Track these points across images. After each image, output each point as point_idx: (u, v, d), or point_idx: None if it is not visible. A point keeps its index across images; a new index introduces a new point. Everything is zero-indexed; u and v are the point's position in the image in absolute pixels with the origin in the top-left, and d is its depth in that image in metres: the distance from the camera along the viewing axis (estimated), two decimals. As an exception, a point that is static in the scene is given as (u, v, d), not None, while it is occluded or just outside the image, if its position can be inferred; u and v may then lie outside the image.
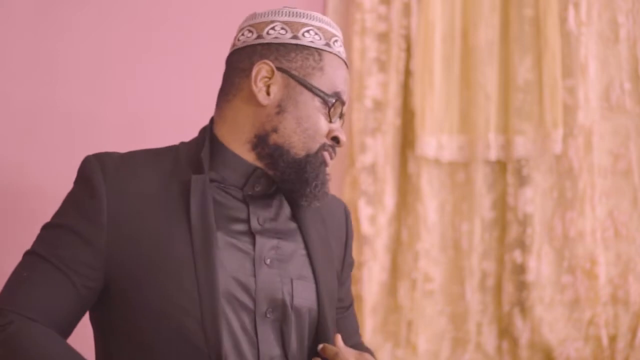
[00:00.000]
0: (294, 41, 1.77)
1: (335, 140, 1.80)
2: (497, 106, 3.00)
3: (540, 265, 2.97)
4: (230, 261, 1.72)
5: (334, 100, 1.77)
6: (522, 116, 2.99)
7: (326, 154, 1.79)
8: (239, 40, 1.82)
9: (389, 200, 3.00)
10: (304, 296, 1.80)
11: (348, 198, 2.99)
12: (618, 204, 3.00)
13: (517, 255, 2.98)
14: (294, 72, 1.76)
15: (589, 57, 2.98)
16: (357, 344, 2.00)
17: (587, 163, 2.96)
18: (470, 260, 2.98)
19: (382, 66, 2.99)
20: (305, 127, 1.76)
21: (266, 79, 1.76)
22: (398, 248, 3.03)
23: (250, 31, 1.80)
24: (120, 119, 2.56)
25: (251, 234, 1.77)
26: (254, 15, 1.82)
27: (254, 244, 1.76)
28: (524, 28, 2.99)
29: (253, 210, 1.78)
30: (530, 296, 2.96)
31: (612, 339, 2.95)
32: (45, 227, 1.73)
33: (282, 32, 1.77)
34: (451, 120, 3.01)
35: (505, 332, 3.00)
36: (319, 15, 1.81)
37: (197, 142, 1.80)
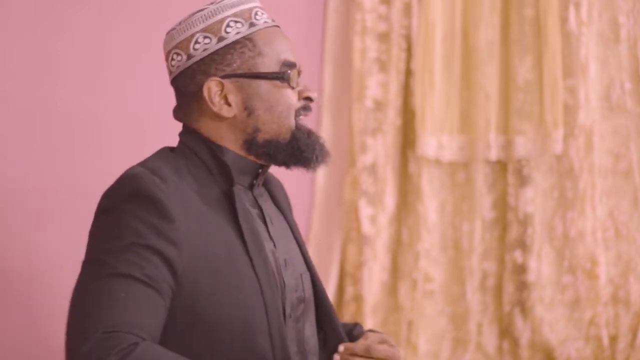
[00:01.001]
0: (222, 44, 1.74)
1: (307, 99, 1.80)
2: (498, 106, 3.00)
3: (541, 265, 2.97)
4: (274, 269, 1.74)
5: (286, 71, 1.76)
6: (522, 116, 2.99)
7: (303, 119, 1.79)
8: (172, 65, 1.79)
9: (390, 200, 3.00)
10: (309, 289, 1.83)
11: (348, 198, 3.00)
12: (618, 204, 3.00)
13: (517, 255, 2.98)
14: (239, 72, 1.75)
15: (590, 57, 2.98)
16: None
17: (588, 163, 2.96)
18: (470, 260, 2.98)
19: (383, 66, 2.99)
20: (280, 111, 1.76)
21: (219, 93, 1.74)
22: (398, 248, 3.03)
23: (177, 54, 1.77)
24: (120, 119, 2.56)
25: (270, 236, 1.78)
26: (171, 36, 1.80)
27: (275, 246, 1.78)
28: (524, 28, 2.99)
29: (265, 212, 1.80)
30: (531, 296, 2.96)
31: (613, 339, 2.95)
32: (120, 249, 1.63)
33: (207, 41, 1.75)
34: (451, 120, 3.01)
35: (505, 332, 3.00)
36: (230, 1, 1.77)
37: (195, 150, 1.78)
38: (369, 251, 2.97)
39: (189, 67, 1.76)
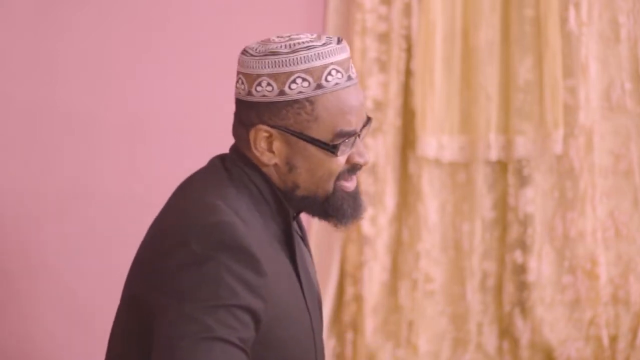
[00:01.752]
0: (281, 98, 1.67)
1: (355, 166, 1.74)
2: (498, 106, 3.00)
3: (541, 266, 2.97)
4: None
5: (337, 143, 1.69)
6: (522, 116, 2.99)
7: (344, 184, 1.74)
8: (236, 87, 1.74)
9: (390, 200, 3.00)
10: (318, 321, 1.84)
11: (349, 198, 2.99)
12: (619, 204, 3.00)
13: (517, 255, 2.98)
14: (290, 129, 1.69)
15: (590, 57, 2.98)
16: None
17: (588, 163, 2.96)
18: (471, 260, 2.98)
19: (383, 66, 2.99)
20: (320, 175, 1.71)
21: (265, 139, 1.69)
22: (399, 248, 3.03)
23: (242, 82, 1.71)
24: (120, 119, 2.56)
25: (299, 278, 1.75)
26: (242, 60, 1.72)
27: (302, 288, 1.75)
28: (524, 28, 2.99)
29: (295, 252, 1.78)
30: (531, 296, 2.96)
31: (613, 339, 2.95)
32: (217, 308, 1.59)
33: (269, 88, 1.68)
34: (452, 121, 3.01)
35: (505, 332, 3.00)
36: (305, 53, 1.68)
37: (254, 181, 1.74)
38: (369, 251, 2.97)
39: (248, 101, 1.70)
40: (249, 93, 1.70)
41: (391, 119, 2.97)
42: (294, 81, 1.67)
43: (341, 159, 1.71)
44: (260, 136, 1.69)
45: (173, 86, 2.64)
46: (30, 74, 2.44)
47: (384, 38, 2.99)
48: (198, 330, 1.57)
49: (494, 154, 2.99)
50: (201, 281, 1.60)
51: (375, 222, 2.99)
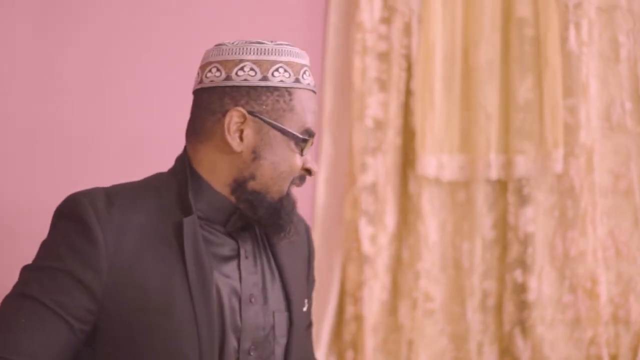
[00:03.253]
0: (263, 83, 1.74)
1: (307, 172, 1.81)
2: (498, 126, 3.00)
3: (541, 285, 2.97)
4: (225, 302, 1.74)
5: (306, 138, 1.77)
6: (522, 135, 2.99)
7: (292, 188, 1.80)
8: (206, 77, 1.78)
9: (390, 219, 3.00)
10: (282, 328, 1.82)
11: (349, 217, 2.99)
12: (619, 224, 3.00)
13: (518, 274, 2.98)
14: (265, 117, 1.75)
15: (590, 76, 2.98)
16: None
17: (588, 182, 2.96)
18: (471, 279, 2.98)
19: (383, 86, 2.99)
20: (282, 170, 1.76)
21: (238, 124, 1.74)
22: (399, 267, 3.03)
23: (218, 69, 1.77)
24: (120, 136, 2.56)
25: (239, 271, 1.77)
26: (220, 50, 1.79)
27: (241, 281, 1.77)
28: (524, 48, 2.99)
29: (241, 245, 1.79)
30: (531, 316, 2.95)
31: (613, 359, 2.95)
32: (37, 269, 1.69)
33: (252, 73, 1.75)
34: (452, 140, 3.01)
35: (506, 351, 2.99)
36: (288, 47, 1.79)
37: (178, 177, 1.79)
38: (369, 270, 2.96)
39: (222, 87, 1.76)
40: (228, 78, 1.76)
41: (391, 138, 2.98)
42: (277, 69, 1.75)
43: (300, 159, 1.78)
44: (234, 120, 1.74)
45: (174, 104, 2.64)
46: (29, 91, 2.45)
47: (384, 57, 2.99)
48: (18, 285, 1.68)
49: (494, 173, 3.00)
50: (42, 245, 1.72)
51: (376, 241, 2.98)
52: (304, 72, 1.79)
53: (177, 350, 1.67)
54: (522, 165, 2.99)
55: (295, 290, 1.87)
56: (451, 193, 3.04)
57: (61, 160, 2.48)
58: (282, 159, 1.76)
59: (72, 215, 1.70)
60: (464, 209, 3.02)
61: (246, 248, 1.80)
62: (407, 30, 3.00)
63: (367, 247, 2.97)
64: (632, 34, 3.00)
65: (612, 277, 2.98)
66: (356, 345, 2.96)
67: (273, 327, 1.79)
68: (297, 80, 1.77)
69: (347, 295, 2.99)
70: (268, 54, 1.76)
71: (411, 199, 3.01)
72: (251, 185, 1.76)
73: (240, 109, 1.74)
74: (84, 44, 2.53)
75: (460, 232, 3.02)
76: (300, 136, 1.76)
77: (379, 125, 2.99)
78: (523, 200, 2.99)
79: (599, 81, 3.01)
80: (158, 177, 1.82)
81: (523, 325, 2.97)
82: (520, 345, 2.96)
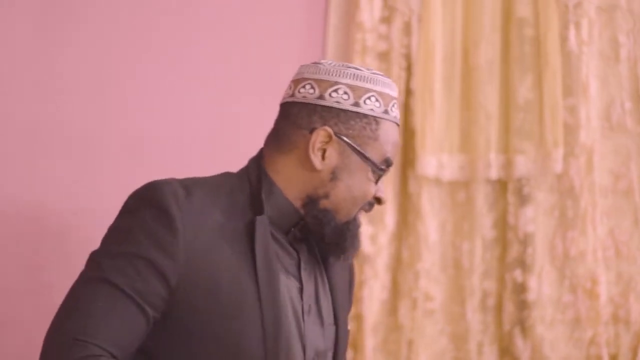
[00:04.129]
0: (354, 108, 1.77)
1: (377, 200, 1.84)
2: (498, 125, 3.00)
3: (541, 285, 2.97)
4: (289, 304, 1.75)
5: (384, 168, 1.80)
6: (522, 135, 2.99)
7: (359, 214, 1.83)
8: (299, 92, 1.81)
9: (390, 219, 2.99)
10: (332, 341, 1.85)
11: (349, 217, 2.99)
12: (619, 224, 3.00)
13: (517, 274, 2.98)
14: (350, 140, 1.77)
15: (590, 76, 2.98)
16: None
17: (588, 182, 2.96)
18: (471, 279, 2.98)
19: (383, 85, 2.99)
20: (355, 195, 1.79)
21: (323, 143, 1.77)
22: (399, 267, 3.03)
23: (312, 87, 1.79)
24: (121, 136, 2.56)
25: (300, 280, 1.80)
26: (317, 68, 1.82)
27: (301, 290, 1.79)
28: (524, 48, 2.99)
29: (302, 255, 1.82)
30: (531, 315, 2.95)
31: (613, 359, 2.95)
32: (115, 254, 1.68)
33: (345, 97, 1.78)
34: (452, 140, 3.01)
35: (506, 351, 2.99)
36: (382, 78, 1.82)
37: (250, 179, 1.81)
38: (369, 270, 2.96)
39: (314, 105, 1.78)
40: (321, 97, 1.78)
41: (391, 137, 2.97)
42: (369, 97, 1.79)
43: (374, 187, 1.81)
44: (320, 139, 1.77)
45: (175, 104, 2.64)
46: (29, 91, 2.44)
47: (384, 57, 2.99)
48: (94, 270, 1.66)
49: (494, 173, 3.00)
50: (115, 230, 1.72)
51: (375, 240, 2.98)
52: (393, 105, 1.82)
53: (242, 348, 1.68)
54: (522, 165, 2.98)
55: (341, 306, 1.90)
56: (451, 193, 3.04)
57: (61, 160, 2.48)
58: (357, 184, 1.79)
59: (153, 201, 1.69)
60: (464, 209, 3.02)
61: (304, 259, 1.82)
62: (407, 30, 3.00)
63: (367, 246, 2.97)
64: (632, 34, 3.00)
65: (612, 277, 2.98)
66: (356, 345, 2.96)
67: (325, 341, 1.83)
68: (386, 112, 1.80)
69: (347, 295, 2.99)
70: (363, 80, 1.79)
71: (411, 198, 3.01)
72: (323, 203, 1.78)
73: (329, 128, 1.77)
74: (84, 44, 2.52)
75: (460, 232, 3.02)
76: (379, 166, 1.79)
77: (379, 124, 2.98)
78: (523, 200, 2.99)
79: (599, 81, 3.01)
80: (228, 176, 1.84)
81: (523, 325, 2.97)
82: (520, 345, 2.96)
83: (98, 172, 2.52)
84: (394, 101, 1.83)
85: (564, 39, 2.99)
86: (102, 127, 2.54)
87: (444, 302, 3.02)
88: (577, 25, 2.98)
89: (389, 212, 2.99)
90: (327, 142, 1.77)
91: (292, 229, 1.80)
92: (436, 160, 2.98)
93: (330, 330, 1.85)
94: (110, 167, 2.54)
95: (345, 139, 1.77)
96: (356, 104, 1.78)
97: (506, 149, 3.00)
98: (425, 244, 2.98)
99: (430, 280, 3.00)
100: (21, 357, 2.33)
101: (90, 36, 2.54)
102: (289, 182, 1.79)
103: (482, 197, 3.00)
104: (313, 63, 1.84)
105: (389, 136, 1.81)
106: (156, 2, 2.65)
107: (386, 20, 3.00)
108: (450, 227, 3.03)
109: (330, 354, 1.85)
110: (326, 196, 1.78)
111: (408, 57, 3.00)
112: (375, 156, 1.79)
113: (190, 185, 1.74)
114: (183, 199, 1.69)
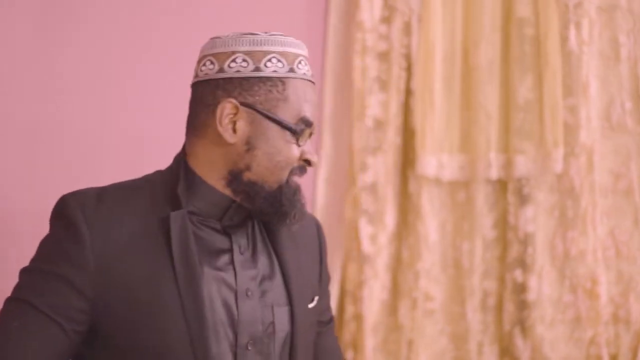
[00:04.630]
0: (256, 74, 1.73)
1: (307, 162, 1.79)
2: (498, 125, 3.00)
3: (541, 285, 2.97)
4: (216, 296, 1.72)
5: (302, 127, 1.75)
6: (523, 135, 2.99)
7: (294, 178, 1.78)
8: (201, 70, 1.79)
9: (390, 219, 3.00)
10: (283, 322, 1.80)
11: (349, 217, 2.99)
12: (619, 224, 3.00)
13: (518, 274, 2.98)
14: (258, 107, 1.73)
15: (590, 76, 2.98)
16: None
17: (588, 182, 2.96)
18: (471, 279, 2.98)
19: (383, 85, 2.99)
20: (277, 160, 1.74)
21: (231, 116, 1.73)
22: (399, 267, 3.03)
23: (211, 62, 1.76)
24: (121, 135, 2.56)
25: (233, 265, 1.77)
26: (213, 43, 1.79)
27: (235, 275, 1.76)
28: (524, 48, 2.99)
29: (235, 240, 1.78)
30: (531, 315, 2.96)
31: (613, 358, 2.95)
32: (30, 272, 1.70)
33: (244, 64, 1.74)
34: (452, 140, 3.01)
35: (506, 351, 2.99)
36: (281, 38, 1.77)
37: (172, 175, 1.79)
38: (369, 270, 2.96)
39: (216, 79, 1.75)
40: (221, 70, 1.75)
41: (391, 137, 2.98)
42: (269, 60, 1.74)
43: (296, 149, 1.76)
44: (226, 111, 1.74)
45: (174, 101, 2.64)
46: (29, 91, 2.45)
47: (384, 57, 2.99)
48: (15, 289, 1.69)
49: (494, 173, 3.00)
50: (38, 246, 1.74)
51: (376, 240, 2.98)
52: (300, 62, 1.77)
53: (168, 347, 1.67)
54: (522, 165, 2.99)
55: (299, 285, 1.85)
56: (451, 193, 3.04)
57: (61, 160, 2.48)
58: (277, 150, 1.74)
59: (61, 215, 1.71)
60: (464, 209, 3.02)
61: (240, 243, 1.79)
62: (407, 29, 3.00)
63: (367, 246, 2.97)
64: (633, 34, 3.00)
65: (612, 277, 2.98)
66: (356, 345, 2.97)
67: (272, 322, 1.78)
68: (291, 70, 1.75)
69: (347, 295, 3.00)
70: (260, 44, 1.75)
71: (411, 198, 3.01)
72: (247, 176, 1.75)
73: (232, 100, 1.73)
74: (84, 44, 2.53)
75: (460, 232, 3.02)
76: (294, 126, 1.74)
77: (379, 124, 2.99)
78: (523, 200, 2.99)
79: (599, 81, 3.01)
80: (155, 174, 1.82)
81: (523, 325, 2.97)
82: (520, 345, 2.96)
83: (98, 172, 2.52)
84: (300, 58, 1.77)
85: (564, 39, 2.99)
86: (102, 127, 2.54)
87: (444, 302, 3.02)
88: (578, 25, 2.98)
89: (389, 212, 2.99)
90: (235, 114, 1.73)
91: (225, 214, 1.77)
92: (436, 160, 2.99)
93: (282, 311, 1.80)
94: (110, 167, 2.54)
95: (252, 106, 1.73)
96: (257, 69, 1.73)
97: (506, 149, 3.01)
98: (425, 244, 2.99)
99: (431, 280, 3.00)
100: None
101: (90, 36, 2.54)
102: (210, 165, 1.76)
103: (482, 197, 3.00)
104: (210, 39, 1.81)
105: (301, 94, 1.76)
106: (156, 2, 2.65)
107: (386, 20, 3.00)
108: (451, 227, 3.04)
109: (283, 336, 1.80)
110: (248, 168, 1.74)
111: (408, 57, 3.00)
112: (288, 117, 1.74)
113: (105, 192, 1.74)
114: (91, 209, 1.69)
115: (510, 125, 3.00)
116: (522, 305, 2.97)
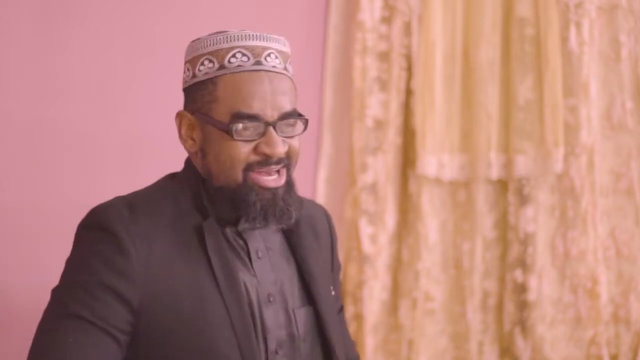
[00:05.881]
0: (193, 80, 1.73)
1: (265, 158, 1.72)
2: (498, 125, 3.00)
3: (542, 285, 2.97)
4: (252, 299, 1.73)
5: (233, 124, 1.69)
6: (523, 135, 2.99)
7: (256, 175, 1.72)
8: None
9: (390, 219, 3.00)
10: (307, 323, 1.80)
11: (349, 217, 2.99)
12: (619, 223, 3.00)
13: (518, 274, 2.98)
14: (197, 114, 1.73)
15: (591, 76, 2.98)
16: None
17: (589, 182, 2.96)
18: (471, 279, 2.98)
19: (383, 85, 2.99)
20: (223, 160, 1.71)
21: (186, 127, 1.75)
22: (399, 267, 3.03)
23: (184, 71, 1.80)
24: (121, 135, 2.56)
25: (253, 271, 1.76)
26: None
27: (257, 281, 1.76)
28: (525, 47, 2.99)
29: (251, 244, 1.78)
30: (532, 315, 2.96)
31: (614, 358, 2.95)
32: (73, 286, 1.67)
33: (187, 73, 1.75)
34: (452, 139, 3.01)
35: (506, 351, 2.99)
36: (213, 37, 1.74)
37: (190, 181, 1.78)
38: (369, 270, 2.96)
39: (185, 90, 1.78)
40: (185, 81, 1.78)
41: (391, 137, 2.98)
42: (202, 63, 1.73)
43: (241, 145, 1.70)
44: (183, 123, 1.75)
45: (174, 101, 2.63)
46: (29, 91, 2.45)
47: (384, 57, 2.99)
48: (55, 307, 1.66)
49: (495, 173, 3.00)
50: (70, 262, 1.70)
51: (376, 240, 2.98)
52: (232, 55, 1.72)
53: (217, 351, 1.66)
54: (523, 164, 2.98)
55: (319, 280, 1.84)
56: (451, 193, 3.04)
57: (61, 160, 2.48)
58: (220, 151, 1.71)
59: (99, 227, 1.68)
60: (464, 209, 3.02)
61: (258, 247, 1.78)
62: (407, 29, 3.00)
63: (367, 246, 2.97)
64: (633, 34, 3.00)
65: (612, 277, 2.98)
66: (357, 345, 2.96)
67: (295, 326, 1.78)
68: (221, 67, 1.72)
69: (348, 295, 3.00)
70: (195, 50, 1.75)
71: (411, 198, 3.01)
72: (211, 183, 1.74)
73: (182, 111, 1.75)
74: (84, 44, 2.53)
75: (461, 232, 3.02)
76: (226, 125, 1.69)
77: (379, 124, 2.99)
78: (523, 200, 2.99)
79: (599, 81, 3.01)
80: (169, 181, 1.81)
81: (523, 324, 2.97)
82: (521, 344, 2.96)
83: (98, 172, 2.53)
84: (236, 50, 1.72)
85: (564, 39, 2.99)
86: (102, 127, 2.54)
87: (445, 302, 3.02)
88: (578, 25, 2.98)
89: (389, 212, 2.99)
90: (190, 124, 1.74)
91: (240, 220, 1.76)
92: (436, 160, 2.99)
93: (303, 312, 1.80)
94: (110, 167, 2.54)
95: (195, 113, 1.73)
96: (194, 76, 1.73)
97: (507, 149, 3.00)
98: (425, 244, 2.99)
99: (431, 280, 3.00)
100: (21, 357, 2.33)
101: (90, 36, 2.54)
102: (203, 175, 1.76)
103: (482, 197, 3.00)
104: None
105: (234, 88, 1.70)
106: (156, 3, 2.66)
107: (386, 20, 3.00)
108: (451, 227, 3.04)
109: (308, 337, 1.80)
110: (209, 175, 1.73)
111: (408, 57, 3.00)
112: (222, 116, 1.69)
113: (133, 202, 1.72)
114: (128, 220, 1.67)
115: (511, 125, 3.00)
116: (523, 305, 2.97)
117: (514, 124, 2.99)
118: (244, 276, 1.74)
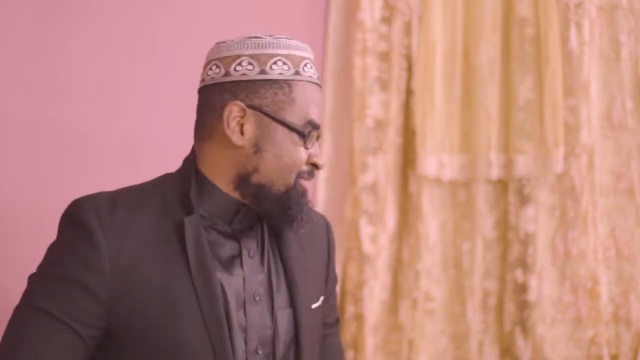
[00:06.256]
0: (262, 76, 1.74)
1: (314, 166, 1.80)
2: (499, 125, 3.00)
3: (542, 285, 2.97)
4: (231, 302, 1.73)
5: (309, 130, 1.76)
6: (523, 135, 2.99)
7: (302, 181, 1.78)
8: (207, 75, 1.79)
9: (390, 219, 3.00)
10: (285, 325, 1.81)
11: (349, 217, 2.99)
12: (620, 223, 2.99)
13: (518, 274, 2.98)
14: (265, 109, 1.74)
15: (591, 76, 2.97)
16: None
17: (589, 182, 2.96)
18: (471, 279, 2.98)
19: (384, 85, 2.99)
20: (285, 162, 1.75)
21: (238, 119, 1.74)
22: (399, 267, 3.03)
23: (217, 66, 1.77)
24: (120, 136, 2.56)
25: (242, 270, 1.77)
26: (219, 47, 1.80)
27: (244, 280, 1.76)
28: (525, 47, 2.99)
29: (244, 244, 1.79)
30: (532, 315, 2.95)
31: (614, 358, 2.94)
32: (41, 278, 1.69)
33: (250, 67, 1.75)
34: (452, 139, 3.01)
35: (507, 351, 2.99)
36: (286, 41, 1.78)
37: (182, 178, 1.79)
38: (369, 270, 2.96)
39: (222, 83, 1.76)
40: (227, 74, 1.76)
41: (391, 137, 2.98)
42: (275, 63, 1.75)
43: (303, 152, 1.76)
44: (233, 114, 1.74)
45: (174, 101, 2.64)
46: (28, 91, 2.45)
47: (384, 57, 3.00)
48: (25, 297, 1.68)
49: (495, 173, 3.00)
50: (48, 251, 1.73)
51: (376, 240, 2.99)
52: (305, 65, 1.78)
53: (188, 351, 1.67)
54: (523, 164, 2.98)
55: (303, 286, 1.86)
56: (451, 193, 3.04)
57: (61, 160, 2.48)
58: (284, 152, 1.74)
59: (74, 220, 1.70)
60: (465, 209, 3.02)
61: (250, 247, 1.80)
62: (407, 29, 3.00)
63: (367, 246, 2.97)
64: (633, 34, 2.99)
65: (612, 277, 2.98)
66: (356, 345, 2.97)
67: (276, 326, 1.78)
68: (297, 73, 1.76)
69: (348, 295, 3.00)
70: (266, 47, 1.76)
71: (411, 198, 3.01)
72: (255, 178, 1.75)
73: (239, 102, 1.74)
74: (84, 44, 2.53)
75: (461, 232, 3.02)
76: (301, 129, 1.74)
77: (380, 124, 2.99)
78: (524, 199, 2.99)
79: (599, 81, 3.01)
80: (165, 178, 1.82)
81: (524, 325, 2.97)
82: (521, 345, 2.96)
83: (98, 172, 2.53)
84: (306, 61, 1.78)
85: (564, 39, 2.99)
86: (102, 127, 2.54)
87: (445, 302, 3.02)
88: (578, 25, 2.98)
89: (389, 212, 2.99)
90: (242, 117, 1.73)
91: (234, 218, 1.77)
92: (436, 160, 2.99)
93: (284, 314, 1.81)
94: (110, 167, 2.54)
95: (259, 109, 1.74)
96: (263, 72, 1.74)
97: (507, 149, 3.00)
98: (425, 244, 2.99)
99: (431, 280, 3.00)
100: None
101: (90, 36, 2.54)
102: (219, 168, 1.76)
103: (482, 197, 3.00)
104: (216, 44, 1.81)
105: (308, 97, 1.77)
106: (156, 3, 2.66)
107: (387, 20, 3.00)
108: (451, 227, 3.04)
109: (286, 339, 1.81)
110: (256, 170, 1.74)
111: (408, 57, 3.01)
112: (295, 119, 1.74)
113: (117, 196, 1.73)
114: (104, 213, 1.68)
115: (511, 125, 3.00)
116: (523, 305, 2.97)
117: (514, 124, 2.99)
118: (227, 275, 1.74)
